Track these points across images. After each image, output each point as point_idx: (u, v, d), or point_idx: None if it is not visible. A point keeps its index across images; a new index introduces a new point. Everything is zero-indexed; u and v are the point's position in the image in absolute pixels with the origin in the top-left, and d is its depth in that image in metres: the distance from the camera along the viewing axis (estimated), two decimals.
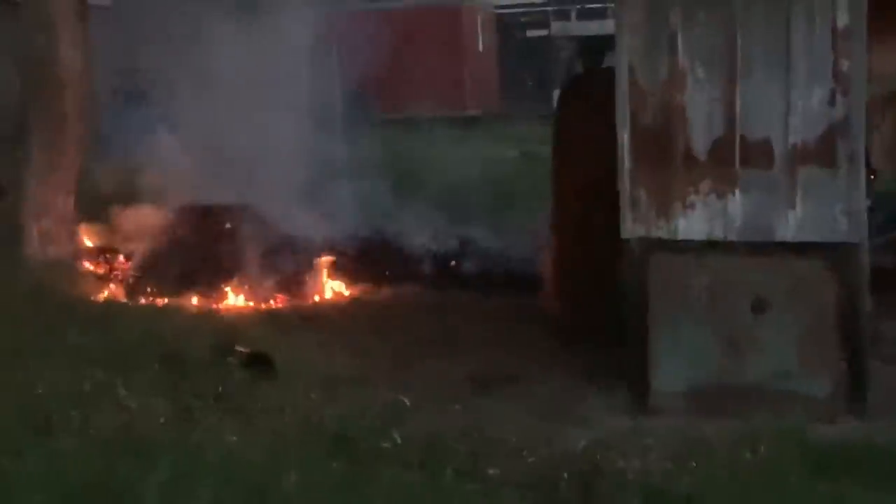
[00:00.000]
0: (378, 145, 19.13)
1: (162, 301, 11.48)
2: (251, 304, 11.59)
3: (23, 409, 7.46)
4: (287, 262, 12.09)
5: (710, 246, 8.24)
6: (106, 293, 11.60)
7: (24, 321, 9.22)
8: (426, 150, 20.67)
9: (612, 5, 9.17)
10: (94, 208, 12.65)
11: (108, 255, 12.40)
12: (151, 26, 14.45)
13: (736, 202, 8.19)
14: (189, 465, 6.48)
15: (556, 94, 11.21)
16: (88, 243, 12.53)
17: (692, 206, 8.25)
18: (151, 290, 11.58)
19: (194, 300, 11.51)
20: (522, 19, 37.83)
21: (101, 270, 12.19)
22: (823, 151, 8.02)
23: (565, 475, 6.77)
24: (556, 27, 36.60)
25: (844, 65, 7.95)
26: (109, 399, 7.82)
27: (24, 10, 11.88)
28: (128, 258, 12.31)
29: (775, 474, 6.67)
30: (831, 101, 8.00)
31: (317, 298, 11.99)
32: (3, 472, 6.21)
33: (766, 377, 8.11)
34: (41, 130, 11.50)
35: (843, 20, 7.95)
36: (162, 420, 7.51)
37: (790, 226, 8.12)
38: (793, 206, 8.10)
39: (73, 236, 11.87)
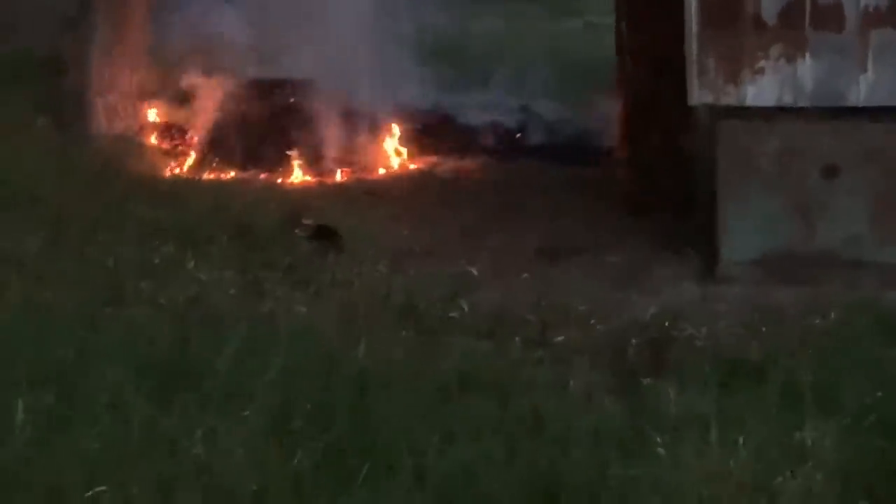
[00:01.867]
0: (441, 19, 18.95)
1: (229, 176, 11.51)
2: (318, 177, 11.59)
3: (95, 282, 7.52)
4: (353, 135, 12.07)
5: (780, 112, 8.12)
6: (173, 168, 11.64)
7: (93, 196, 9.27)
8: (488, 24, 20.45)
9: None
10: (161, 83, 12.65)
11: (174, 131, 12.42)
12: None
13: (806, 67, 8.05)
14: (260, 336, 6.52)
15: None
16: (155, 119, 12.55)
17: (761, 71, 8.12)
18: (218, 164, 11.60)
19: (261, 174, 11.52)
20: None
21: (167, 146, 12.22)
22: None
23: (634, 342, 6.77)
24: None
25: None
26: (180, 272, 7.88)
27: None
28: (194, 133, 12.32)
29: (846, 340, 6.63)
30: None
31: (383, 172, 11.98)
32: (78, 343, 6.28)
33: (836, 244, 8.04)
34: (105, 6, 11.46)
35: None
36: (232, 292, 7.56)
37: (861, 90, 7.98)
38: (864, 70, 7.96)
39: (138, 112, 11.90)
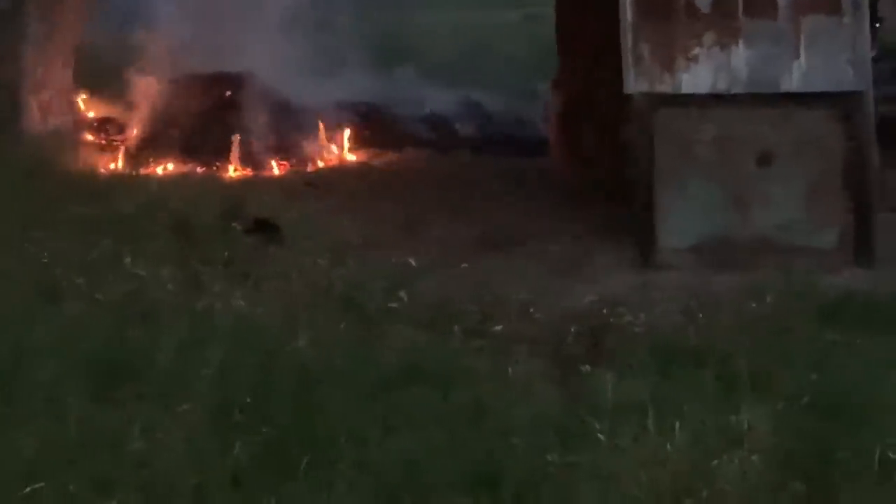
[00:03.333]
0: (379, 12, 18.93)
1: (166, 170, 11.45)
2: (256, 171, 11.56)
3: (31, 278, 7.45)
4: (291, 128, 12.04)
5: (715, 99, 8.18)
6: (109, 164, 11.55)
7: (28, 194, 9.18)
8: (429, 16, 20.46)
9: None
10: (94, 79, 12.56)
11: (109, 126, 12.34)
12: None
13: (740, 54, 8.12)
14: (199, 330, 6.49)
15: None
16: (90, 114, 12.46)
17: (696, 59, 8.18)
18: (155, 159, 11.54)
19: (199, 169, 11.47)
20: None
21: (103, 141, 12.14)
22: (828, 0, 7.92)
23: (573, 330, 6.80)
24: None
25: None
26: (117, 267, 7.81)
27: None
28: (131, 128, 12.25)
29: (782, 324, 6.69)
30: None
31: (322, 164, 11.96)
32: (15, 339, 6.23)
33: (772, 230, 8.11)
34: (38, 2, 11.35)
35: None
36: (170, 287, 7.51)
37: (795, 76, 8.06)
38: (797, 57, 8.03)
39: (72, 107, 11.79)
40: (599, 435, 5.30)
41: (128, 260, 7.95)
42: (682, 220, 8.21)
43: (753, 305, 7.05)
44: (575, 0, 10.38)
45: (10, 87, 11.19)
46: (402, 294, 7.46)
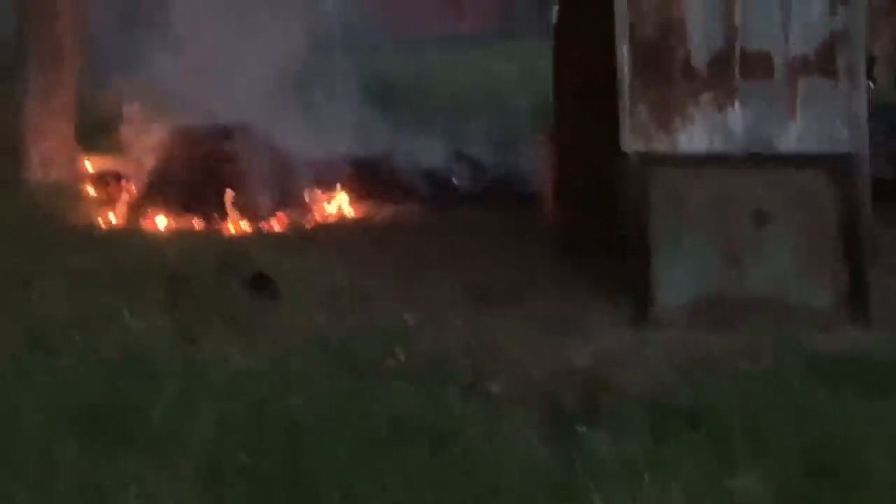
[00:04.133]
0: (375, 64, 19.02)
1: (164, 224, 11.47)
2: (253, 224, 11.57)
3: (26, 331, 7.47)
4: (287, 182, 12.08)
5: (711, 159, 8.22)
6: (107, 217, 11.59)
7: (26, 245, 9.22)
8: (423, 69, 20.56)
9: None
10: (94, 132, 12.62)
11: (108, 179, 12.38)
12: None
13: (736, 114, 8.17)
14: (193, 385, 6.50)
15: (555, 8, 11.16)
16: (89, 167, 12.51)
17: (692, 119, 8.22)
18: (153, 212, 11.57)
19: (196, 223, 11.50)
20: None
21: (102, 194, 12.17)
22: (823, 62, 7.99)
23: (567, 389, 6.80)
24: None
25: None
26: (113, 321, 7.84)
27: None
28: (128, 182, 12.29)
29: (776, 385, 6.69)
30: (831, 11, 7.95)
31: (318, 218, 11.98)
32: (7, 392, 6.24)
33: (767, 289, 8.12)
34: (39, 55, 11.46)
35: None
36: (165, 340, 7.53)
37: (791, 137, 8.10)
38: (793, 118, 8.08)
39: (73, 160, 11.86)
40: (594, 495, 5.30)
41: (124, 313, 7.98)
42: (677, 278, 8.23)
43: (748, 365, 7.06)
44: (571, 55, 10.42)
45: (11, 140, 11.28)
46: (397, 349, 7.47)
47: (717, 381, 6.84)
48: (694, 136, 8.23)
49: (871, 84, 9.74)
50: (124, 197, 12.06)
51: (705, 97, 8.20)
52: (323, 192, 12.33)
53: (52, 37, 11.42)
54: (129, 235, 10.63)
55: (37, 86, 11.35)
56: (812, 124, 8.03)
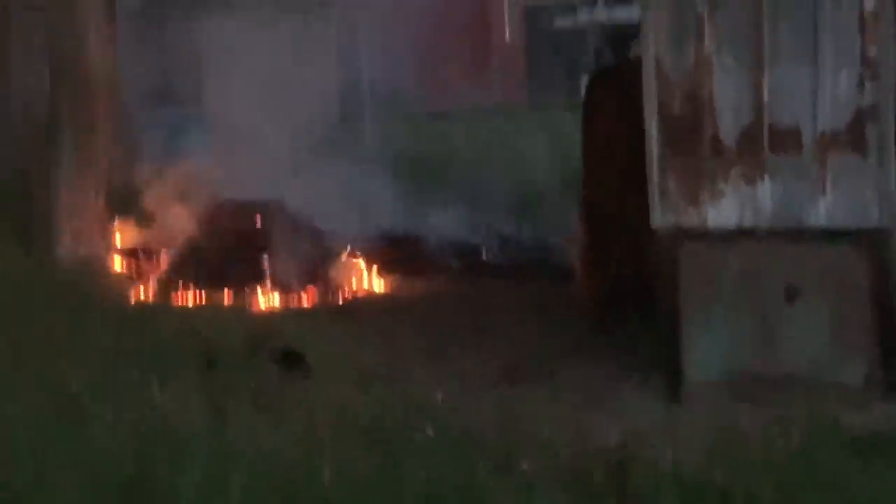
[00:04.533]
0: (407, 137, 19.13)
1: (194, 299, 11.52)
2: (284, 300, 11.62)
3: (56, 403, 7.50)
4: (318, 257, 12.13)
5: (741, 234, 8.22)
6: (138, 292, 11.65)
7: (57, 321, 9.27)
8: (454, 141, 20.65)
9: None
10: (126, 208, 12.72)
11: (139, 254, 12.46)
12: (179, 26, 14.49)
13: (765, 189, 8.17)
14: (222, 462, 6.49)
15: (583, 81, 11.22)
16: (120, 242, 12.59)
17: (721, 193, 8.23)
18: (183, 288, 11.63)
19: (227, 297, 11.54)
20: (549, 7, 37.70)
21: (133, 269, 12.24)
22: (853, 137, 8.00)
23: (598, 466, 6.76)
24: (584, 15, 36.48)
25: (872, 49, 7.92)
26: (143, 395, 7.85)
27: (52, 12, 11.97)
28: (159, 257, 12.37)
29: (809, 461, 6.64)
30: (860, 86, 7.97)
31: (349, 293, 12.01)
32: (36, 465, 6.25)
33: (799, 365, 8.08)
34: (71, 131, 11.58)
35: (870, 4, 7.92)
36: (195, 416, 7.53)
37: (821, 212, 8.09)
38: (823, 193, 8.08)
39: (104, 236, 11.95)
40: None
41: (154, 388, 8.00)
42: (708, 354, 8.21)
43: (780, 441, 7.01)
44: (602, 128, 10.46)
45: (44, 214, 11.39)
46: (427, 426, 7.45)
47: (748, 457, 6.79)
48: (724, 211, 8.23)
49: None
50: (155, 271, 12.13)
51: (735, 172, 8.21)
52: (352, 267, 12.36)
53: (84, 113, 11.55)
54: (160, 310, 10.68)
55: (69, 162, 11.47)
56: (842, 199, 8.02)
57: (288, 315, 10.84)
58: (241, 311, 11.01)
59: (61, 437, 6.86)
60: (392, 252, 12.77)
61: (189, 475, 6.23)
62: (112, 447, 6.69)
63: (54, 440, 6.72)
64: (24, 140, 11.27)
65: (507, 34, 32.73)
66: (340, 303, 11.62)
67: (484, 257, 13.26)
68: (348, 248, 12.41)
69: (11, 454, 6.27)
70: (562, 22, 36.37)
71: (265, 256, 11.83)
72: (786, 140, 8.11)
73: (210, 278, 11.71)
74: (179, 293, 11.60)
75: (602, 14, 36.08)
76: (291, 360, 8.83)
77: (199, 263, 11.87)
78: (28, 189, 11.59)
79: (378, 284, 12.27)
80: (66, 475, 6.13)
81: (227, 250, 11.97)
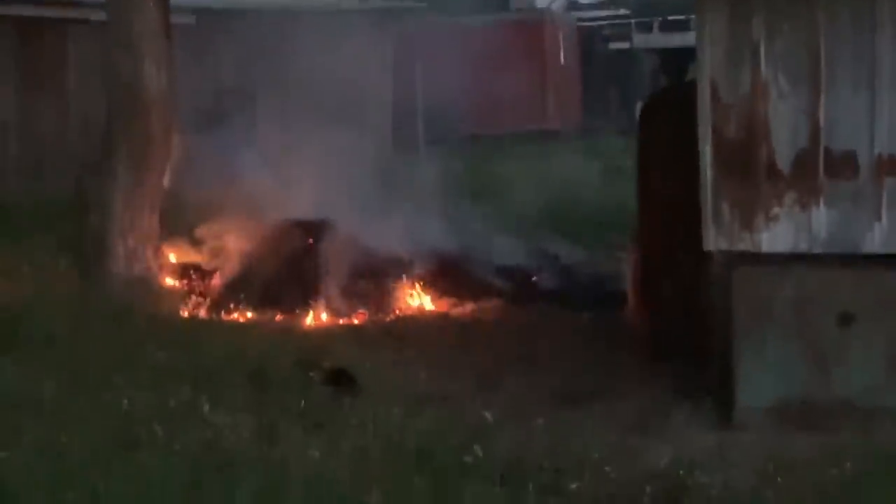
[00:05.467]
0: (460, 161, 19.14)
1: (246, 318, 11.56)
2: (334, 319, 11.63)
3: (108, 425, 7.53)
4: (369, 277, 12.13)
5: (795, 259, 8.16)
6: (191, 310, 11.70)
7: (111, 339, 9.33)
8: (508, 166, 20.66)
9: (694, 17, 9.12)
10: (179, 226, 12.79)
11: (192, 273, 12.52)
12: (234, 44, 14.57)
13: (820, 214, 8.11)
14: (273, 481, 6.50)
15: (638, 107, 11.18)
16: (173, 261, 12.66)
17: (776, 218, 8.18)
18: (235, 306, 11.67)
19: (278, 316, 11.57)
20: (604, 32, 37.71)
21: (185, 287, 12.30)
22: None
23: (648, 490, 6.72)
24: (639, 40, 36.44)
25: None
26: (194, 415, 7.88)
27: (108, 30, 12.07)
28: (212, 275, 12.42)
29: (862, 491, 6.57)
30: None
31: (399, 314, 12.01)
32: (91, 488, 6.28)
33: (852, 392, 8.01)
34: (127, 149, 11.66)
35: None
36: (246, 436, 7.55)
37: (876, 238, 8.03)
38: (879, 218, 8.02)
39: (158, 254, 12.01)
40: None
41: (205, 408, 8.02)
42: (760, 380, 8.14)
43: (833, 471, 6.94)
44: (654, 155, 10.42)
45: (98, 233, 11.47)
46: (477, 448, 7.43)
47: (800, 485, 6.74)
48: (778, 236, 8.18)
49: None
50: (208, 290, 12.18)
51: (789, 196, 8.16)
52: (403, 288, 12.36)
53: (139, 131, 11.63)
54: (212, 329, 10.71)
55: (125, 182, 11.55)
56: None
57: (339, 335, 10.84)
58: (292, 330, 11.03)
59: (115, 464, 6.89)
60: (445, 274, 12.76)
61: (240, 497, 6.23)
62: (164, 470, 6.71)
63: (109, 468, 6.75)
64: (81, 157, 11.35)
65: (563, 58, 32.71)
66: (390, 324, 11.60)
67: (534, 281, 13.22)
68: (400, 269, 12.40)
69: (68, 483, 6.30)
70: (617, 46, 36.36)
71: (317, 276, 11.86)
72: (841, 165, 8.06)
73: (262, 297, 11.75)
74: (231, 312, 11.63)
75: (657, 39, 36.03)
76: (341, 379, 8.82)
77: (251, 282, 11.91)
78: (84, 206, 11.69)
79: (429, 306, 12.26)
80: (118, 500, 6.16)
81: (279, 269, 12.01)
